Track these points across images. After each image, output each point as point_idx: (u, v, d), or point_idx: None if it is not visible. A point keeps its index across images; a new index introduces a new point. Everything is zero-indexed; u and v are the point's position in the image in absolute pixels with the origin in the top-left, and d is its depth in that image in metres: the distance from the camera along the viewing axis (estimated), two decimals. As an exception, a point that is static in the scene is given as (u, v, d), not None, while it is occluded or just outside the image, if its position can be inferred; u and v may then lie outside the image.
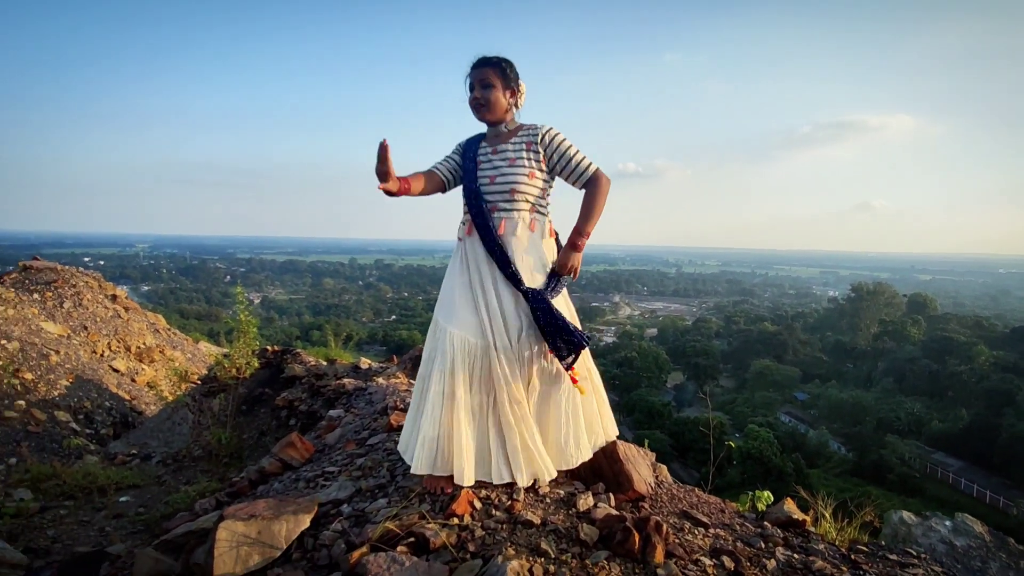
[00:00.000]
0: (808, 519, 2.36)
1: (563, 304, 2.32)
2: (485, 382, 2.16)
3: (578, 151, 2.30)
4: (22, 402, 5.21)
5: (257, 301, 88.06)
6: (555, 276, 2.30)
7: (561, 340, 2.17)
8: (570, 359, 2.19)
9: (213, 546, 1.80)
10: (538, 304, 2.17)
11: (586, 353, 2.32)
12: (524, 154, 2.29)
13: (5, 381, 5.30)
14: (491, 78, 2.27)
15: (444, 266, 2.48)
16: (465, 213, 2.35)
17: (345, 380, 4.35)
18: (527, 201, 2.30)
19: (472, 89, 2.29)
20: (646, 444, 2.76)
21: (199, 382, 6.02)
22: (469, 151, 2.37)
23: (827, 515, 2.42)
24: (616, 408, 44.46)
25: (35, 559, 3.05)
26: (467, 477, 2.08)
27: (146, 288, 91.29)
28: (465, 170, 2.34)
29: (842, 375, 46.67)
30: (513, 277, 2.21)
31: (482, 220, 2.25)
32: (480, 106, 2.29)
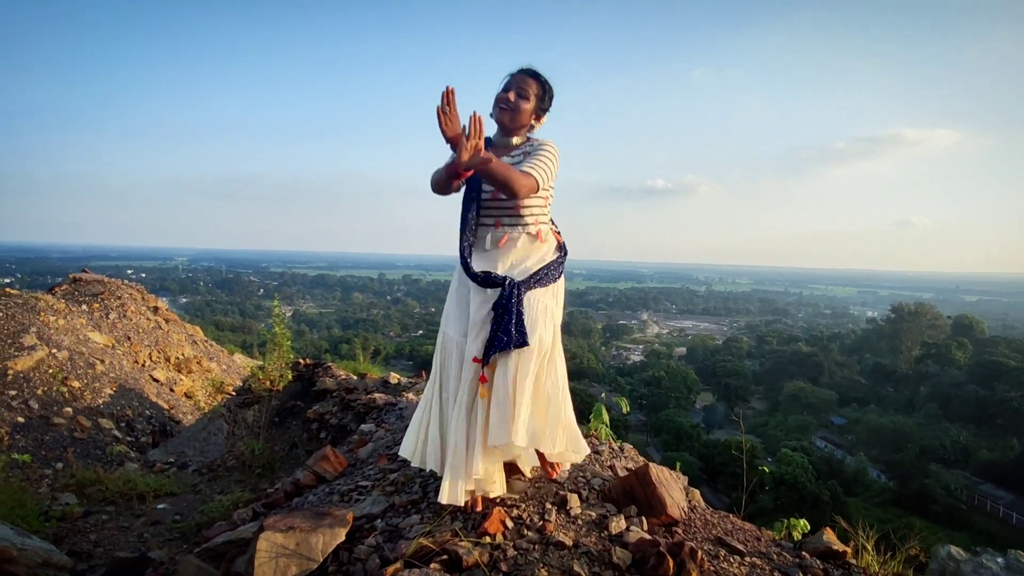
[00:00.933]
0: (849, 551, 2.29)
1: (548, 296, 2.25)
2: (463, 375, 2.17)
3: (545, 161, 2.17)
4: (69, 409, 5.40)
5: (289, 314, 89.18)
6: (545, 267, 2.23)
7: (501, 332, 2.04)
8: (485, 353, 2.07)
9: (254, 556, 1.84)
10: (508, 295, 2.08)
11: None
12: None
13: (55, 389, 5.51)
14: (530, 91, 2.21)
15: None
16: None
17: (376, 395, 4.40)
18: (532, 215, 2.26)
19: (507, 89, 2.21)
20: (677, 467, 2.74)
21: (234, 393, 6.16)
22: None
23: (869, 547, 2.34)
24: (644, 428, 43.91)
25: (79, 562, 3.16)
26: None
27: (184, 300, 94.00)
28: (470, 179, 2.22)
29: (882, 399, 45.09)
30: (486, 280, 2.14)
31: (464, 227, 2.26)
32: (505, 108, 2.20)
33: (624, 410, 2.95)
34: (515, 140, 2.28)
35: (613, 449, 2.77)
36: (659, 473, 2.29)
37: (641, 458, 2.75)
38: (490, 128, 2.24)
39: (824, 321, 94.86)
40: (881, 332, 57.64)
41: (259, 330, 10.05)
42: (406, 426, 3.35)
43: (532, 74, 2.23)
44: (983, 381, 39.49)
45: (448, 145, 1.91)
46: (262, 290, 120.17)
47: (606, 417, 2.86)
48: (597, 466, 2.52)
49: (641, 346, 78.91)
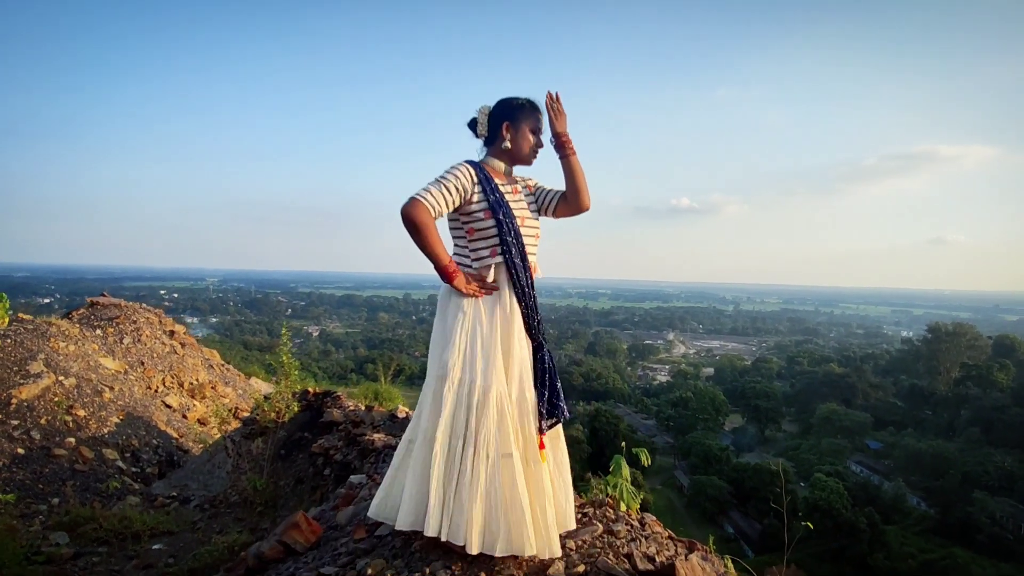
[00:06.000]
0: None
1: None
2: (482, 430, 1.99)
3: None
4: (72, 439, 5.28)
5: (315, 334, 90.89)
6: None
7: (556, 399, 2.13)
8: (551, 422, 2.13)
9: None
10: (550, 360, 2.14)
11: (559, 429, 2.23)
12: (530, 198, 2.27)
13: (59, 418, 5.40)
14: (542, 127, 2.21)
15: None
16: (490, 254, 2.11)
17: (375, 436, 4.16)
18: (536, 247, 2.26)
19: (538, 132, 2.19)
20: (711, 542, 2.42)
21: (241, 423, 5.98)
22: (488, 182, 2.10)
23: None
24: (670, 451, 42.91)
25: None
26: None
27: (214, 320, 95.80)
28: (498, 203, 2.08)
29: (920, 423, 43.36)
30: (536, 328, 2.14)
31: (523, 262, 2.10)
32: (536, 154, 2.21)
33: (644, 462, 2.60)
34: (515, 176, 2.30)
35: (632, 526, 2.34)
36: (688, 573, 1.93)
37: (667, 538, 2.35)
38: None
39: (857, 341, 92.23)
40: (917, 353, 55.60)
41: (267, 359, 10.04)
42: None
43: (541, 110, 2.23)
44: (1028, 404, 37.66)
45: (552, 142, 2.15)
46: (290, 310, 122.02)
47: (626, 472, 2.49)
48: (611, 553, 2.09)
49: (667, 366, 77.66)
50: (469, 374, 2.01)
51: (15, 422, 5.05)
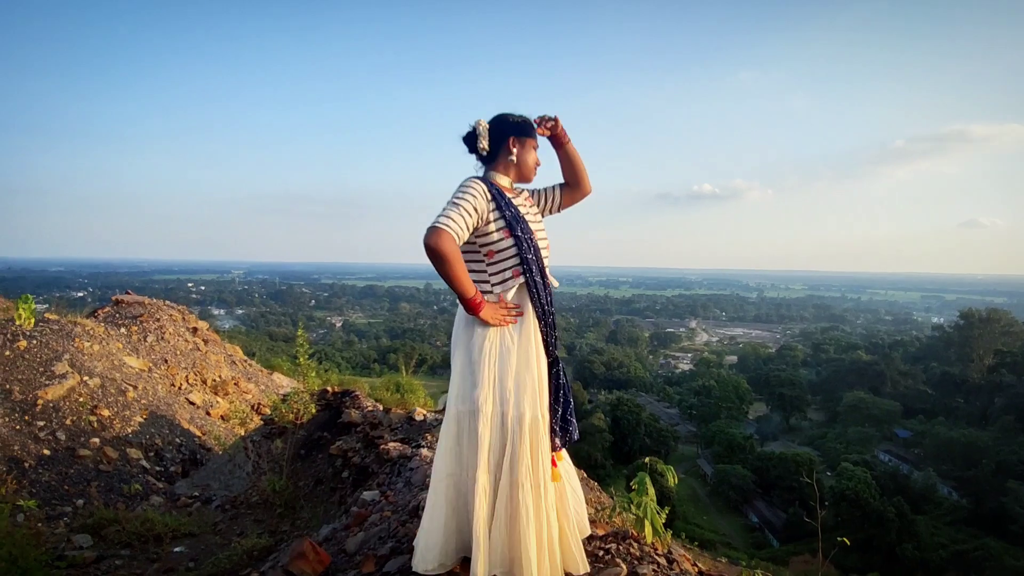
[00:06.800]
0: None
1: None
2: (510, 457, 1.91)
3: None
4: (97, 440, 5.34)
5: (339, 325, 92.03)
6: None
7: (570, 415, 2.09)
8: (565, 438, 2.09)
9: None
10: (564, 376, 2.08)
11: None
12: (534, 208, 2.21)
13: (83, 418, 5.47)
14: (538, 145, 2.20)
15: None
16: (512, 275, 2.00)
17: (391, 444, 4.11)
18: None
19: (536, 148, 2.14)
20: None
21: (263, 422, 6.01)
22: (501, 197, 2.00)
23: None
24: (694, 439, 42.62)
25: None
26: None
27: (240, 312, 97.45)
28: (515, 219, 1.98)
29: (952, 411, 42.34)
30: (552, 344, 2.06)
31: (543, 279, 2.03)
32: (536, 172, 2.18)
33: (671, 481, 2.43)
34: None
35: (659, 564, 2.11)
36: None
37: None
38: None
39: (885, 328, 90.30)
40: (949, 339, 54.13)
41: (280, 362, 10.03)
42: (408, 505, 2.88)
43: None
44: (1066, 392, 36.52)
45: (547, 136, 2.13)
46: (313, 301, 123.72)
47: (652, 492, 2.32)
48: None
49: (690, 354, 77.05)
50: (501, 406, 1.92)
51: (41, 423, 5.13)
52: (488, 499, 1.87)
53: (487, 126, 2.05)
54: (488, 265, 2.00)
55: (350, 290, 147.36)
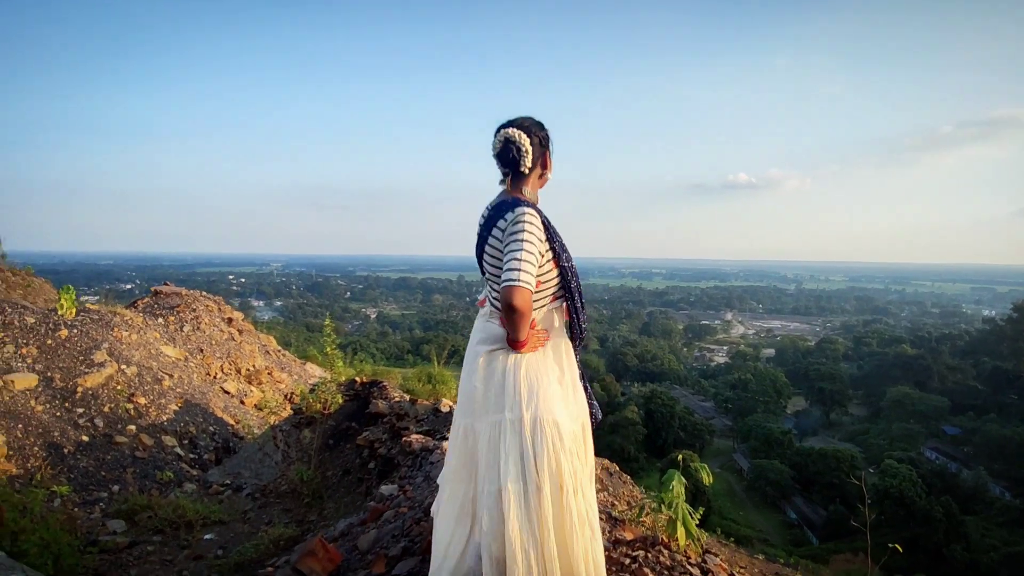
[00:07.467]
0: None
1: None
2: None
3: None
4: (133, 427, 5.45)
5: (373, 316, 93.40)
6: None
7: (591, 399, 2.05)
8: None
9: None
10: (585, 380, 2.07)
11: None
12: None
13: (121, 406, 5.58)
14: None
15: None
16: (549, 300, 1.91)
17: (413, 437, 4.05)
18: None
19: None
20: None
21: (292, 411, 6.05)
22: (549, 226, 1.88)
23: None
24: (729, 433, 41.85)
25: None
26: None
27: (279, 303, 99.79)
28: (562, 248, 1.89)
29: (1004, 408, 40.49)
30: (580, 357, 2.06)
31: (583, 305, 1.96)
32: None
33: (706, 480, 2.25)
34: None
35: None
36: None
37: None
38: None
39: (932, 321, 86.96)
40: (1001, 333, 51.73)
41: (314, 352, 10.15)
42: (425, 501, 2.77)
43: None
44: None
45: None
46: (348, 293, 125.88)
47: (680, 490, 2.13)
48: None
49: (725, 347, 75.67)
50: (557, 424, 1.80)
51: (80, 410, 5.25)
52: (521, 509, 1.74)
53: (527, 139, 1.86)
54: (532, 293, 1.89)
55: (384, 282, 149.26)
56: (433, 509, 1.99)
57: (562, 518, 1.74)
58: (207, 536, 4.18)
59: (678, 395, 44.55)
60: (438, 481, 1.97)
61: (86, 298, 11.52)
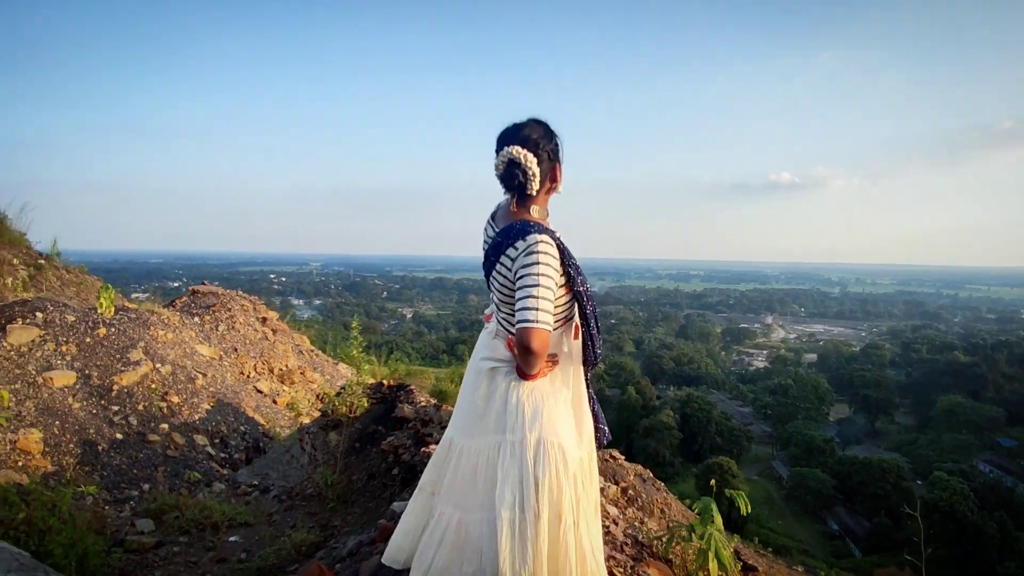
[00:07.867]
0: None
1: None
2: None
3: None
4: (165, 425, 5.53)
5: (409, 316, 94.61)
6: None
7: (600, 423, 2.03)
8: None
9: None
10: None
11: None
12: None
13: (154, 404, 5.68)
14: None
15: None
16: (560, 324, 1.79)
17: (432, 447, 3.96)
18: None
19: None
20: None
21: (319, 413, 6.06)
22: (565, 250, 1.74)
23: None
24: (768, 440, 40.77)
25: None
26: None
27: (318, 302, 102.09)
28: (576, 271, 1.74)
29: (1065, 420, 38.44)
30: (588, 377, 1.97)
31: (599, 331, 1.86)
32: None
33: (744, 510, 2.08)
34: None
35: None
36: None
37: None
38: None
39: (987, 327, 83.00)
40: (1064, 340, 49.18)
41: (340, 351, 10.18)
42: None
43: None
44: None
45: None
46: (385, 293, 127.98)
47: (719, 521, 2.00)
48: None
49: (765, 352, 73.88)
50: (564, 449, 1.69)
51: (115, 408, 5.36)
52: (514, 537, 1.62)
53: (534, 159, 1.69)
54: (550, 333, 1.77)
55: (420, 282, 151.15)
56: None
57: (556, 551, 1.62)
58: (232, 538, 4.18)
59: (715, 400, 43.70)
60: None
61: (136, 295, 11.90)
